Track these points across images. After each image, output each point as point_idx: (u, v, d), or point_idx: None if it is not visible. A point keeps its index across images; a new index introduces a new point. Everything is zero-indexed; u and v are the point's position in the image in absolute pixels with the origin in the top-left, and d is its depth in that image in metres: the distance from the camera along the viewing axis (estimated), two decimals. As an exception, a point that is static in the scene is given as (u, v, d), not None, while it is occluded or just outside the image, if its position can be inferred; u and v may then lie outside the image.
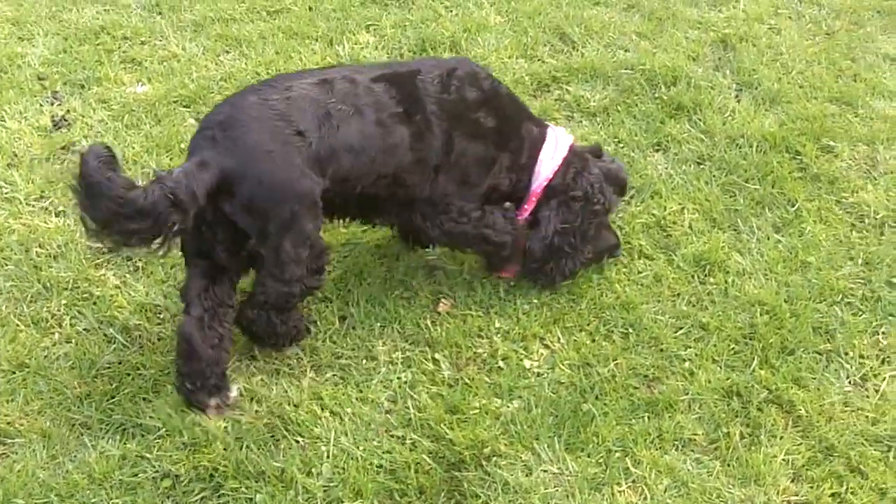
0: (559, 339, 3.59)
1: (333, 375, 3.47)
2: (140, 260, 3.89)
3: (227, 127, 3.16)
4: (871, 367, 3.49)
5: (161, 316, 3.67)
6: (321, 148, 3.22)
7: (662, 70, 4.93)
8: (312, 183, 3.19)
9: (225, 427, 3.26)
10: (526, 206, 3.75)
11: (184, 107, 4.80)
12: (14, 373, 3.45)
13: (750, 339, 3.59)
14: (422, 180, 3.50)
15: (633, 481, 3.14)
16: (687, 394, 3.40)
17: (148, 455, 3.17)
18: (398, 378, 3.45)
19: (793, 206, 4.14)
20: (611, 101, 4.75)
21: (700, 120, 4.62)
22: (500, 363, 3.51)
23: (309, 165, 3.19)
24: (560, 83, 4.87)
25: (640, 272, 3.85)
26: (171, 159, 4.40)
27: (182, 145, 4.48)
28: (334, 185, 3.28)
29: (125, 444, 3.21)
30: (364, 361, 3.52)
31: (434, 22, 5.44)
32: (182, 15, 5.53)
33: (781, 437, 3.26)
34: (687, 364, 3.50)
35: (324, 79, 3.35)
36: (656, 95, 4.79)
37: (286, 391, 3.39)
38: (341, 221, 3.64)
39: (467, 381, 3.44)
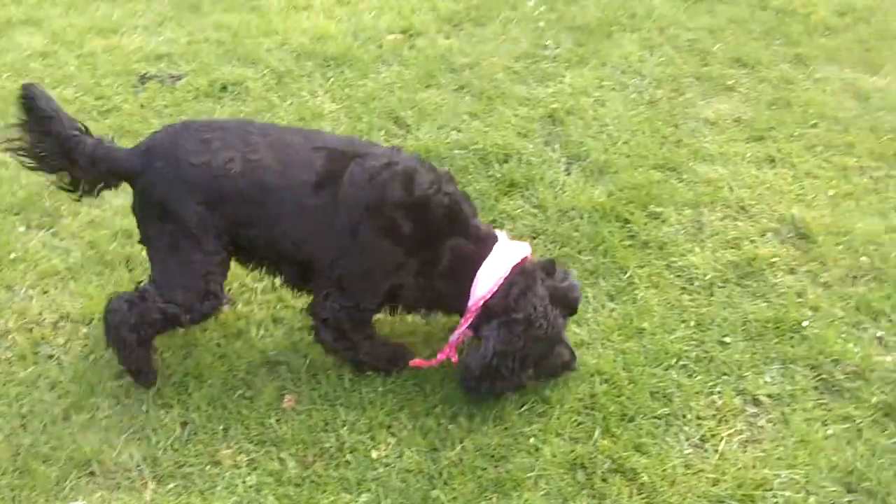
0: (406, 425, 3.60)
1: (176, 486, 3.39)
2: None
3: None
4: (709, 428, 3.59)
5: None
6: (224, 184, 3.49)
7: (494, 148, 5.04)
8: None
9: None
10: (462, 322, 3.66)
11: (14, 214, 4.68)
12: None
13: (591, 410, 3.65)
14: (321, 254, 3.57)
15: (485, 565, 3.15)
16: (533, 470, 3.43)
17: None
18: (243, 482, 3.40)
19: (625, 273, 4.26)
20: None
21: (533, 195, 4.73)
22: (348, 456, 3.49)
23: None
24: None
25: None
26: (0, 269, 4.28)
27: (12, 255, 4.38)
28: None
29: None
30: (208, 468, 3.46)
31: (269, 112, 5.46)
32: (9, 120, 5.40)
33: (627, 506, 3.33)
34: (532, 440, 3.55)
35: (268, 132, 3.64)
36: (489, 174, 4.89)
37: (128, 505, 3.31)
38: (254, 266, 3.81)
39: (315, 478, 3.41)
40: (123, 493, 3.35)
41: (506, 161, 4.98)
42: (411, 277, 3.60)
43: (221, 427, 3.59)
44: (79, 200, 3.74)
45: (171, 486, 3.39)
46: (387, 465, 3.47)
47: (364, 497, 3.34)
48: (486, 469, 3.45)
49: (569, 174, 4.91)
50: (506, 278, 3.58)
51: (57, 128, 3.55)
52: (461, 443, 3.53)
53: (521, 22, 6.42)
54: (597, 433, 3.56)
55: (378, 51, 6.09)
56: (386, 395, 3.72)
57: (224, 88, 5.74)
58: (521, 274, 3.61)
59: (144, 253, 4.29)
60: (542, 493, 3.37)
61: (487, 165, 4.95)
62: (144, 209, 3.62)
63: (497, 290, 3.57)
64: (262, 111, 5.47)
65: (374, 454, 3.50)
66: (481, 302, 3.58)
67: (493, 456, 3.50)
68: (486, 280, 3.57)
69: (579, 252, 4.38)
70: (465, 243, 3.60)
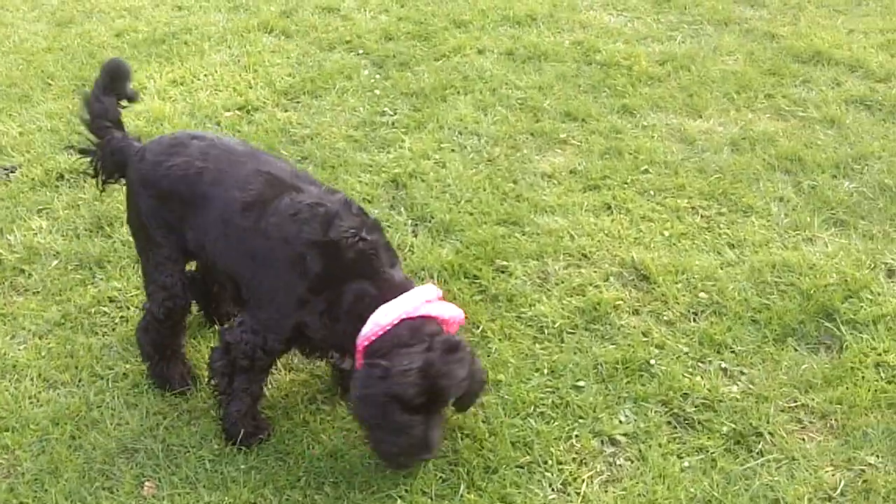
0: (271, 501, 3.57)
1: (37, 585, 3.29)
2: None
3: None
4: (570, 472, 3.68)
5: None
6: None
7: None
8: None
9: None
10: (357, 365, 3.59)
11: None
12: None
13: (455, 466, 3.70)
14: (240, 272, 3.75)
15: None
16: (404, 532, 3.45)
17: None
18: (108, 574, 3.31)
19: (478, 328, 4.35)
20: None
21: (382, 259, 4.78)
22: (214, 538, 3.45)
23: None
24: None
25: (343, 417, 3.90)
26: None
27: None
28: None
29: None
30: (69, 563, 3.36)
31: (109, 197, 5.38)
32: None
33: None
34: (399, 502, 3.56)
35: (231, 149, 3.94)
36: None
37: None
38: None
39: (181, 562, 3.35)
40: None
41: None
42: (316, 317, 3.61)
43: (81, 521, 3.50)
44: (102, 190, 4.30)
45: (32, 587, 3.28)
46: (253, 545, 3.44)
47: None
48: (355, 538, 3.45)
49: (416, 236, 4.99)
50: (393, 325, 3.49)
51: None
52: (327, 515, 3.53)
53: (356, 91, 6.53)
54: (462, 488, 3.60)
55: (216, 129, 6.09)
56: (249, 471, 3.68)
57: (60, 177, 5.64)
58: (412, 330, 3.49)
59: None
60: (413, 553, 3.39)
61: (335, 233, 4.98)
62: (128, 205, 4.09)
63: (381, 334, 3.49)
64: (104, 197, 5.39)
65: (238, 537, 3.47)
66: (365, 342, 3.51)
67: (363, 525, 3.50)
68: (374, 323, 3.51)
69: (431, 311, 4.44)
70: (370, 287, 3.56)
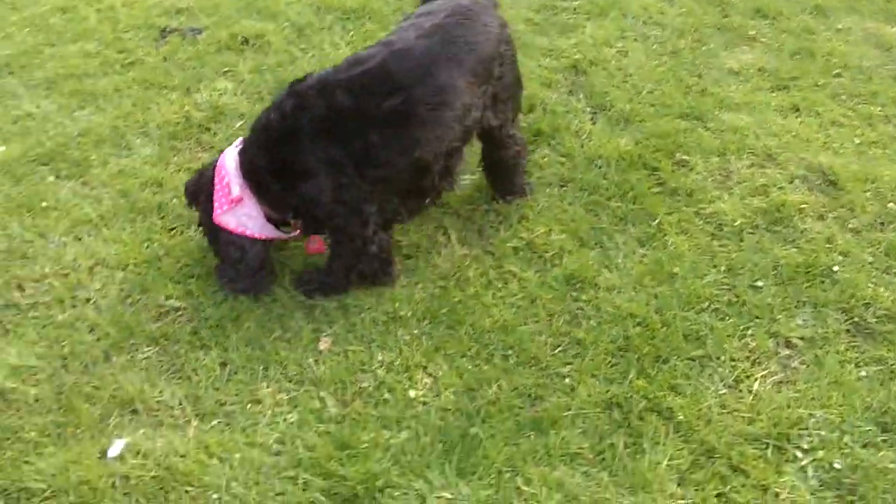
0: (442, 366, 3.64)
1: (219, 423, 3.44)
2: (9, 323, 3.80)
3: None
4: (742, 370, 3.63)
5: (36, 377, 3.58)
6: None
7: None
8: None
9: (112, 483, 3.20)
10: None
11: (42, 165, 4.70)
12: None
13: (625, 352, 3.69)
14: None
15: (525, 500, 3.19)
16: (569, 409, 3.47)
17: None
18: (285, 420, 3.44)
19: (654, 220, 4.29)
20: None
21: (559, 144, 4.75)
22: (386, 395, 3.53)
23: None
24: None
25: (514, 295, 3.93)
26: (33, 218, 4.31)
27: (43, 203, 4.40)
28: None
29: (9, 511, 3.13)
30: (249, 406, 3.50)
31: (291, 64, 5.47)
32: (33, 73, 5.43)
33: (664, 444, 3.36)
34: (567, 380, 3.58)
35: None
36: (516, 123, 4.90)
37: (172, 443, 3.35)
38: None
39: (355, 416, 3.45)
40: (167, 430, 3.40)
41: (531, 111, 4.99)
42: None
43: (261, 367, 3.63)
44: None
45: (214, 423, 3.43)
46: (425, 403, 3.51)
47: (404, 434, 3.39)
48: (522, 408, 3.49)
49: (594, 123, 4.92)
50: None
51: None
52: (497, 383, 3.57)
53: (540, -25, 6.41)
54: (632, 374, 3.59)
55: (398, 2, 6.08)
56: (420, 337, 3.75)
57: (245, 41, 5.73)
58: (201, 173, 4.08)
59: (175, 201, 4.35)
60: (578, 431, 3.41)
61: (513, 115, 4.96)
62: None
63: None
64: (285, 63, 5.48)
65: (411, 394, 3.54)
66: None
67: (529, 395, 3.54)
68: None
69: (608, 199, 4.40)
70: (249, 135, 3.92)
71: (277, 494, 3.19)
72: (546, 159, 4.64)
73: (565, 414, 3.46)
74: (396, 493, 3.19)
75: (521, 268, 4.04)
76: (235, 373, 3.61)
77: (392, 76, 3.66)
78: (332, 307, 3.87)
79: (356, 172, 3.68)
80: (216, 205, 3.82)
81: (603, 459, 3.33)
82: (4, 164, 4.68)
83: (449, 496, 3.19)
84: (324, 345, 3.74)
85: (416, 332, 3.78)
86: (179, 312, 3.84)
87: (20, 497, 3.18)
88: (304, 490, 3.20)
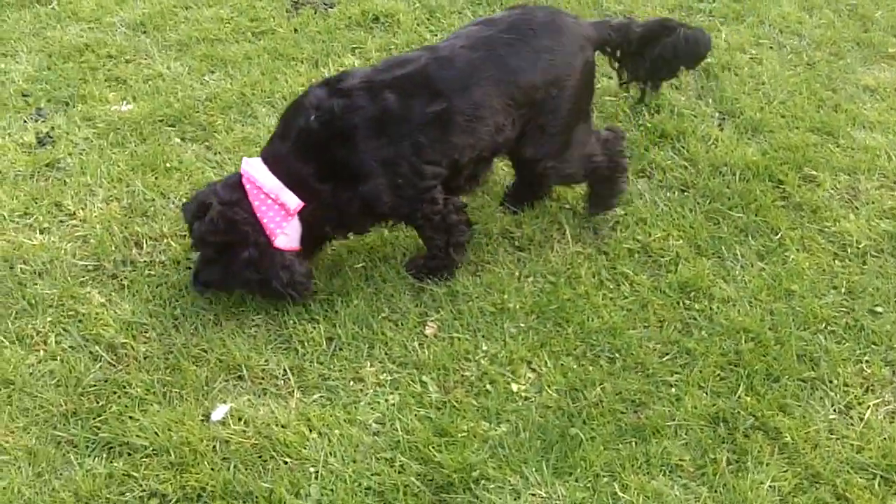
0: (546, 363, 3.60)
1: (321, 397, 3.46)
2: (125, 278, 3.88)
3: None
4: (854, 396, 3.52)
5: (147, 335, 3.65)
6: None
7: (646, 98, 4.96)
8: None
9: (213, 447, 3.24)
10: None
11: (169, 126, 4.79)
12: (-2, 390, 3.43)
13: (735, 366, 3.61)
14: None
15: (621, 506, 3.15)
16: (673, 419, 3.41)
17: (135, 474, 3.16)
18: (386, 400, 3.45)
19: (776, 234, 4.18)
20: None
21: (683, 147, 4.66)
22: (488, 386, 3.52)
23: None
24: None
25: (626, 297, 3.87)
26: (156, 178, 4.39)
27: (167, 164, 4.48)
28: None
29: (112, 462, 3.20)
30: (351, 383, 3.52)
31: (418, 45, 5.46)
32: (167, 35, 5.52)
33: (768, 464, 3.28)
34: (673, 389, 3.52)
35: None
36: (640, 123, 4.83)
37: (273, 412, 3.38)
38: None
39: (455, 404, 3.44)
40: (270, 399, 3.43)
41: (657, 111, 4.91)
42: None
43: (366, 346, 3.64)
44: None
45: (316, 396, 3.46)
46: (526, 399, 3.49)
47: (503, 427, 3.37)
48: (625, 413, 3.44)
49: (721, 129, 4.82)
50: (240, 172, 3.72)
51: None
52: (601, 385, 3.52)
53: (677, -26, 6.29)
54: (740, 389, 3.51)
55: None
56: (528, 331, 3.72)
57: (376, 19, 5.75)
58: (229, 185, 3.71)
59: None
60: (681, 442, 3.35)
61: (638, 115, 4.88)
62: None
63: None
64: (413, 44, 5.47)
65: (513, 387, 3.52)
66: None
67: (633, 401, 3.48)
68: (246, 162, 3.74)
69: (729, 209, 4.30)
70: (278, 143, 3.78)
71: (374, 474, 3.20)
72: (669, 162, 4.56)
73: (669, 424, 3.40)
74: (491, 486, 3.18)
75: (634, 270, 3.98)
76: (341, 349, 3.63)
77: (432, 82, 3.65)
78: (441, 293, 3.86)
79: (411, 170, 3.65)
80: (271, 229, 3.62)
81: (703, 474, 3.26)
82: (132, 121, 4.77)
83: (544, 494, 3.17)
84: (430, 330, 3.73)
85: (522, 325, 3.75)
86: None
87: (122, 451, 3.25)
88: (399, 473, 3.20)
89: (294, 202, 3.61)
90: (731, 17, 5.81)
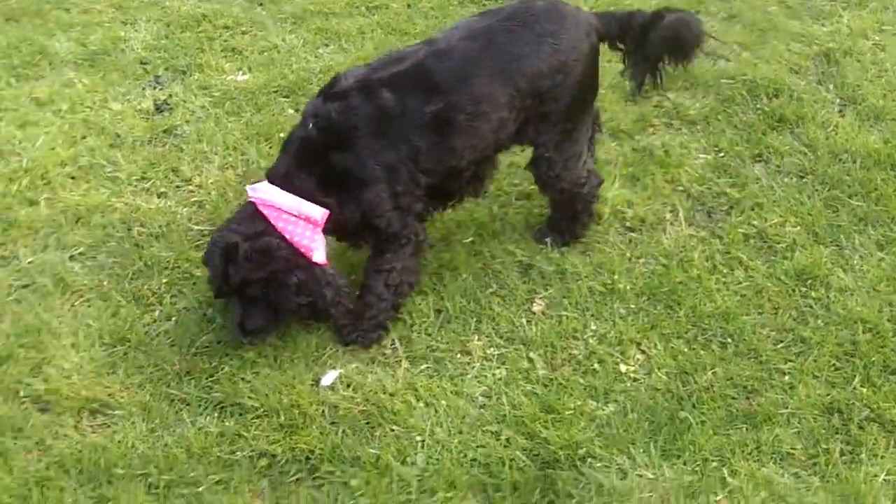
0: (656, 345, 3.55)
1: (428, 367, 3.47)
2: (239, 243, 3.93)
3: None
4: (976, 391, 3.41)
5: (259, 299, 3.69)
6: None
7: (764, 81, 4.86)
8: None
9: (322, 411, 3.28)
10: None
11: (283, 97, 4.84)
12: (115, 347, 3.50)
13: (851, 356, 3.51)
14: None
15: (730, 492, 3.09)
16: (786, 407, 3.34)
17: (245, 433, 3.20)
18: (493, 374, 3.44)
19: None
20: (711, 110, 4.70)
21: (802, 133, 4.55)
22: (596, 366, 3.48)
23: None
24: (659, 90, 4.80)
25: (739, 283, 3.79)
26: (270, 147, 4.44)
27: (281, 134, 4.52)
28: None
29: (223, 421, 3.25)
30: (458, 356, 3.52)
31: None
32: (282, 7, 5.58)
33: (883, 457, 3.19)
34: (787, 378, 3.44)
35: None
36: (758, 106, 4.73)
37: (381, 380, 3.40)
38: None
39: (562, 381, 3.42)
40: (378, 368, 3.45)
41: (776, 96, 4.80)
42: None
43: (474, 319, 3.63)
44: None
45: (423, 367, 3.46)
46: (635, 380, 3.44)
47: (611, 407, 3.33)
48: (736, 399, 3.38)
49: (842, 116, 4.69)
50: (247, 199, 3.50)
51: None
52: (712, 370, 3.46)
53: (799, -43, 6.14)
54: (856, 380, 3.42)
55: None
56: (638, 312, 3.68)
57: (491, -3, 5.73)
58: (251, 215, 3.46)
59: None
60: (793, 430, 3.28)
61: (756, 98, 4.78)
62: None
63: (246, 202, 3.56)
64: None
65: (622, 368, 3.48)
66: None
67: (744, 387, 3.42)
68: (251, 189, 3.53)
69: (849, 196, 4.19)
70: (280, 159, 3.57)
71: (479, 446, 3.19)
72: (787, 147, 4.46)
73: (781, 412, 3.32)
74: (598, 465, 3.15)
75: (749, 256, 3.90)
76: (449, 321, 3.63)
77: (430, 76, 3.45)
78: (550, 271, 3.83)
79: (410, 178, 3.47)
80: (306, 246, 3.42)
81: (815, 464, 3.19)
82: (248, 91, 4.83)
83: (651, 476, 3.13)
84: (537, 307, 3.71)
85: (632, 306, 3.70)
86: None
87: (234, 411, 3.30)
88: (505, 447, 3.19)
89: (319, 212, 3.41)
90: (853, 1, 5.65)
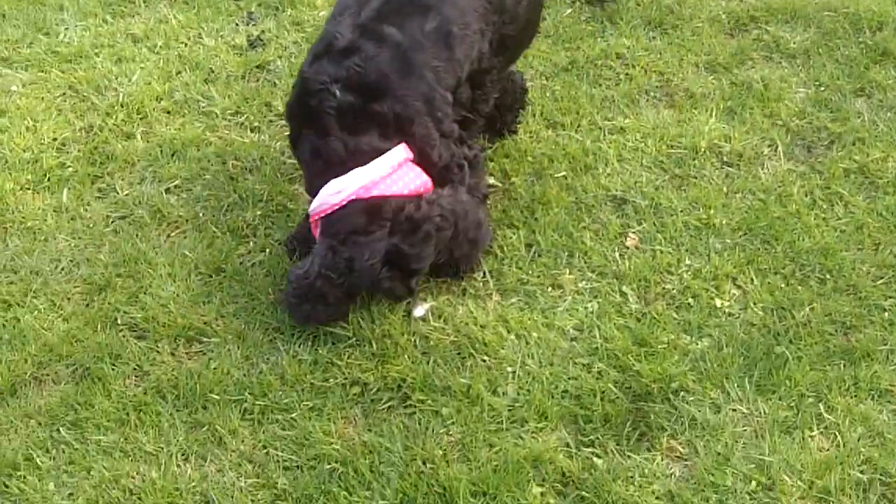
0: (752, 280, 3.49)
1: (519, 300, 3.45)
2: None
3: None
4: None
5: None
6: None
7: (868, 14, 4.70)
8: None
9: (413, 342, 3.29)
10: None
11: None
12: (211, 276, 3.55)
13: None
14: None
15: (826, 427, 3.04)
16: (885, 344, 3.26)
17: (338, 362, 3.24)
18: (584, 308, 3.41)
19: None
20: (812, 44, 4.56)
21: (909, 67, 4.41)
22: (690, 300, 3.44)
23: None
24: (759, 23, 4.69)
25: (839, 218, 3.70)
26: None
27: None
28: None
29: (316, 350, 3.28)
30: (549, 289, 3.50)
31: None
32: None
33: None
34: (887, 314, 3.36)
35: None
36: (860, 40, 4.57)
37: (472, 312, 3.40)
38: None
39: (655, 315, 3.38)
40: (469, 300, 3.45)
41: (879, 29, 4.63)
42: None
43: (565, 254, 3.60)
44: None
45: (514, 300, 3.45)
46: (730, 315, 3.39)
47: (705, 341, 3.29)
48: (834, 335, 3.31)
49: (952, 49, 4.52)
50: (341, 206, 3.21)
51: None
52: (810, 305, 3.40)
53: None
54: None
55: None
56: (734, 248, 3.61)
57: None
58: (368, 214, 3.22)
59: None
60: (892, 367, 3.20)
61: (858, 31, 4.62)
62: None
63: (331, 213, 3.24)
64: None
65: (717, 303, 3.43)
66: (316, 216, 3.29)
67: (843, 324, 3.34)
68: (322, 199, 3.24)
69: (955, 131, 4.05)
70: (321, 146, 3.30)
71: (570, 378, 3.18)
72: (891, 82, 4.31)
73: (880, 348, 3.25)
74: (690, 398, 3.11)
75: (849, 191, 3.80)
76: (539, 255, 3.61)
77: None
78: (644, 205, 3.78)
79: (443, 101, 3.38)
80: (425, 183, 3.33)
81: (915, 401, 3.12)
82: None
83: (745, 410, 3.09)
84: (631, 241, 3.67)
85: (728, 241, 3.64)
86: (493, 190, 3.84)
87: (326, 340, 3.33)
88: (597, 379, 3.18)
89: (401, 152, 3.30)
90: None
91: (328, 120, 3.27)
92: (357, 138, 3.28)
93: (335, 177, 3.24)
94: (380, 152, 3.27)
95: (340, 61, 3.28)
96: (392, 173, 3.25)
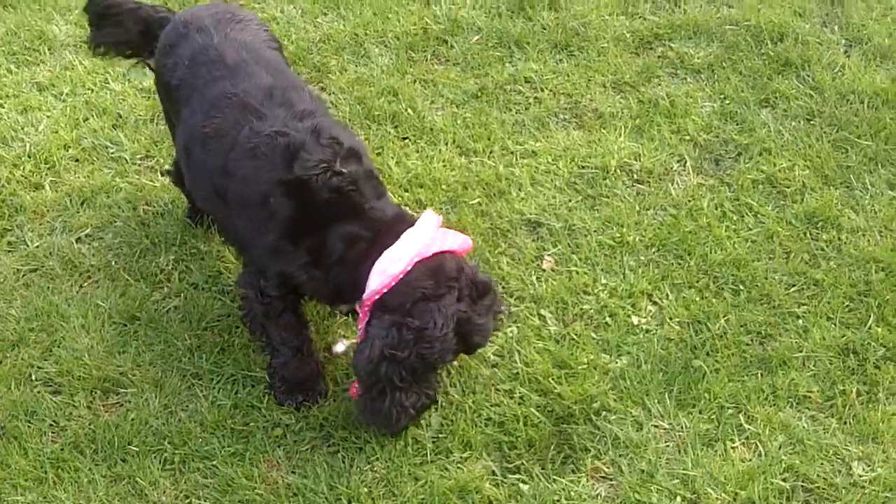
0: (668, 295, 3.53)
1: (438, 330, 3.45)
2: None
3: None
4: None
5: (267, 271, 3.68)
6: None
7: (769, 26, 4.79)
8: None
9: (335, 379, 3.27)
10: (360, 320, 3.04)
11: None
12: (125, 325, 3.50)
13: (865, 297, 3.49)
14: (215, 211, 3.40)
15: (747, 438, 3.08)
16: (801, 351, 3.32)
17: (259, 405, 3.21)
18: (504, 333, 3.42)
19: (908, 167, 4.02)
20: (715, 58, 4.64)
21: (808, 76, 4.50)
22: (608, 319, 3.47)
23: None
24: (663, 40, 4.77)
25: (750, 229, 3.76)
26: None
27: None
28: None
29: (236, 394, 3.25)
30: (469, 317, 3.50)
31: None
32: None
33: (901, 396, 3.17)
34: (801, 321, 3.42)
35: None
36: (762, 52, 4.67)
37: (392, 345, 3.38)
38: None
39: (574, 336, 3.40)
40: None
41: (780, 40, 4.73)
42: (299, 269, 3.04)
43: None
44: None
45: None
46: (647, 331, 3.43)
47: (624, 360, 3.32)
48: (750, 345, 3.36)
49: (848, 57, 4.63)
50: (406, 272, 2.91)
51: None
52: (725, 317, 3.44)
53: None
54: (871, 320, 3.40)
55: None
56: (648, 264, 3.65)
57: (487, -44, 5.66)
58: (434, 275, 2.93)
59: (410, 111, 4.37)
60: (809, 373, 3.26)
61: (760, 43, 4.72)
62: None
63: (395, 285, 2.92)
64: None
65: (634, 320, 3.46)
66: (376, 297, 2.94)
67: (758, 333, 3.40)
68: (382, 272, 2.92)
69: (858, 137, 4.14)
70: (360, 229, 2.98)
71: (493, 405, 3.18)
72: (793, 91, 4.41)
73: (796, 355, 3.31)
74: (613, 417, 3.13)
75: (758, 201, 3.87)
76: (458, 283, 3.61)
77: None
78: (559, 227, 3.81)
79: None
80: (465, 240, 3.12)
81: (832, 405, 3.18)
82: (249, 65, 4.80)
83: (667, 426, 3.12)
84: (547, 264, 3.69)
85: (642, 258, 3.68)
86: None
87: (246, 383, 3.30)
88: (519, 404, 3.18)
89: (434, 218, 3.08)
90: (857, -60, 5.56)
91: (354, 196, 3.00)
92: (386, 200, 3.08)
93: (386, 248, 2.94)
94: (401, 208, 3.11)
95: (315, 144, 3.00)
96: (439, 229, 3.03)
